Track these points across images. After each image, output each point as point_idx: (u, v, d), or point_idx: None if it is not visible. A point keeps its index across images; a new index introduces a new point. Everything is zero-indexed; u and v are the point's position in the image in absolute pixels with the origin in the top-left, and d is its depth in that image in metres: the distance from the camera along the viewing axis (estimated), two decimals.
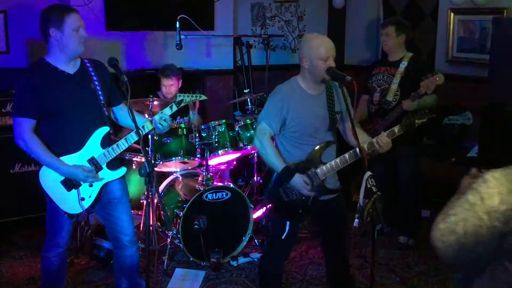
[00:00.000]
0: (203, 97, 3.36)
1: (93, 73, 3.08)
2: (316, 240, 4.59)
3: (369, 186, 2.89)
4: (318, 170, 3.15)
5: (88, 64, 3.10)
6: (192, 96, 3.25)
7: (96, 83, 3.07)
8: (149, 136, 4.12)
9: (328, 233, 3.43)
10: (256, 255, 4.36)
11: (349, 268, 3.54)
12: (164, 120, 3.11)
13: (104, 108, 3.09)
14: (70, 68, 3.03)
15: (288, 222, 3.21)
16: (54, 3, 5.47)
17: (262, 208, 4.67)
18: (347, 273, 3.50)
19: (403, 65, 4.38)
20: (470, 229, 1.59)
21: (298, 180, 3.09)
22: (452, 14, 5.60)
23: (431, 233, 1.67)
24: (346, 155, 3.14)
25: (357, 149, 3.04)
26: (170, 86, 4.72)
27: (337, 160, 3.16)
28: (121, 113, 3.27)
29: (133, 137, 3.07)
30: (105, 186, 3.13)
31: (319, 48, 3.13)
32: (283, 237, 3.22)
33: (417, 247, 4.51)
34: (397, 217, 4.65)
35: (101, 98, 3.08)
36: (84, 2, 5.26)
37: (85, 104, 3.03)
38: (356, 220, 2.95)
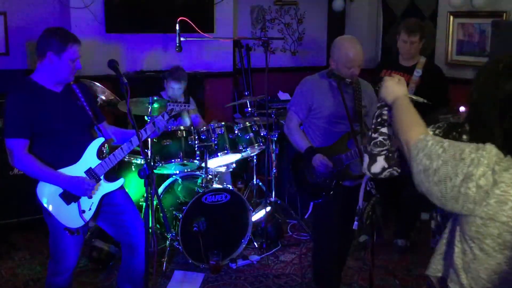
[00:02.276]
0: (192, 107, 3.56)
1: (77, 90, 3.13)
2: None
3: (368, 188, 2.90)
4: (343, 155, 3.33)
5: (72, 84, 3.13)
6: (181, 106, 3.40)
7: (82, 99, 3.12)
8: (149, 138, 4.12)
9: (340, 218, 3.55)
10: (255, 258, 4.36)
11: (343, 262, 3.75)
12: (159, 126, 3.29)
13: (95, 122, 3.15)
14: (57, 88, 3.06)
15: (312, 203, 3.43)
16: (53, 6, 5.48)
17: (261, 210, 4.67)
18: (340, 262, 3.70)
19: (417, 74, 4.24)
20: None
21: (318, 157, 3.33)
22: (451, 17, 5.61)
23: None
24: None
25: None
26: (178, 89, 4.70)
27: (361, 146, 3.23)
28: (106, 129, 3.32)
29: (129, 147, 3.10)
30: (106, 197, 3.13)
31: (346, 55, 3.27)
32: (305, 217, 3.39)
33: (416, 250, 4.51)
34: (396, 220, 4.65)
35: (90, 113, 3.13)
36: (84, 4, 5.26)
37: (75, 119, 3.07)
38: (355, 222, 2.95)
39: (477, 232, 1.67)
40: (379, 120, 2.10)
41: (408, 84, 4.26)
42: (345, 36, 3.62)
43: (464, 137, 1.91)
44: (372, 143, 2.10)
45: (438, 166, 1.67)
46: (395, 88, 2.03)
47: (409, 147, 1.77)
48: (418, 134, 1.77)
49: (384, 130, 2.09)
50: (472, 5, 5.36)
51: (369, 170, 2.10)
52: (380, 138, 2.08)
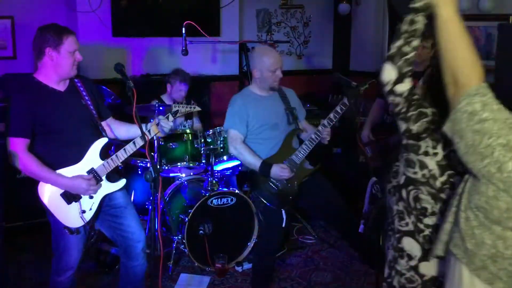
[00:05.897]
0: (197, 108, 3.57)
1: (82, 88, 3.11)
2: (320, 246, 4.59)
3: (374, 192, 2.90)
4: (293, 156, 3.62)
5: (77, 81, 3.12)
6: (186, 107, 3.37)
7: (87, 98, 3.11)
8: (155, 141, 4.14)
9: (323, 205, 3.78)
10: None
11: (353, 219, 3.72)
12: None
13: (99, 122, 3.14)
14: (61, 86, 3.04)
15: (283, 210, 3.63)
16: (60, 10, 5.52)
17: None
18: (353, 225, 3.69)
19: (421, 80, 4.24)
20: None
21: (276, 169, 3.58)
22: None
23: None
24: (313, 135, 3.60)
25: (316, 132, 3.61)
26: (184, 91, 4.76)
27: (306, 142, 3.61)
28: (110, 126, 3.31)
29: (132, 148, 3.09)
30: (106, 197, 3.12)
31: (268, 59, 3.63)
32: (283, 225, 3.66)
33: None
34: None
35: (94, 112, 3.11)
36: (91, 8, 5.29)
37: (79, 119, 3.05)
38: (361, 226, 2.96)
39: (486, 203, 1.66)
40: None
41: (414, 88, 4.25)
42: (261, 46, 4.12)
43: None
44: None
45: (486, 118, 1.64)
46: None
47: (466, 85, 1.72)
48: (480, 79, 1.73)
49: None
50: (479, 8, 5.35)
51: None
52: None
